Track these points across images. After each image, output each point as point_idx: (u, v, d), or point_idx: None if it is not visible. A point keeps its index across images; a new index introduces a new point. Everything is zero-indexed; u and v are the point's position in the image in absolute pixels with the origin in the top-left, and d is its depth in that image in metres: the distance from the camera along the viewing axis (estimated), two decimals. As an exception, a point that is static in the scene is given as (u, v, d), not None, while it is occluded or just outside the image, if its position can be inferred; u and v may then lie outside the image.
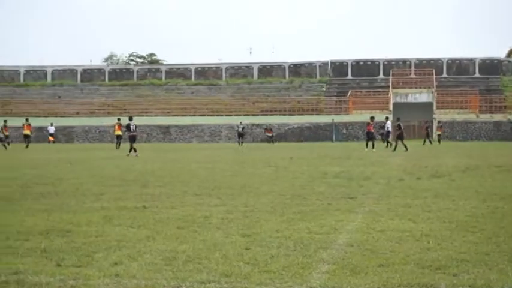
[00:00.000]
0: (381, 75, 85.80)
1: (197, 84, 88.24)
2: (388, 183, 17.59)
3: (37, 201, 13.45)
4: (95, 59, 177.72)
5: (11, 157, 35.11)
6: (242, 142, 62.17)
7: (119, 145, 50.27)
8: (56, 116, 76.30)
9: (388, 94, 77.62)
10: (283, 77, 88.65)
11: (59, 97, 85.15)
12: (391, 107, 74.96)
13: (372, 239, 9.06)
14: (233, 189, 16.05)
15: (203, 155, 37.69)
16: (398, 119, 47.23)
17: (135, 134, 38.87)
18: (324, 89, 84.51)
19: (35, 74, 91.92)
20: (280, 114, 76.44)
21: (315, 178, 19.42)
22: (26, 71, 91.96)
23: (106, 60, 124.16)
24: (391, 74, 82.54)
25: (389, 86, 79.71)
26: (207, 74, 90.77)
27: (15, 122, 73.43)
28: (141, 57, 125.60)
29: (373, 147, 42.36)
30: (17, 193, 15.09)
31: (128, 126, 38.92)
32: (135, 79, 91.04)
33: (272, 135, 69.07)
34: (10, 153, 40.49)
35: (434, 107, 74.77)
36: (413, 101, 76.06)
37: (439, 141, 61.76)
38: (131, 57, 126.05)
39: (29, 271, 7.10)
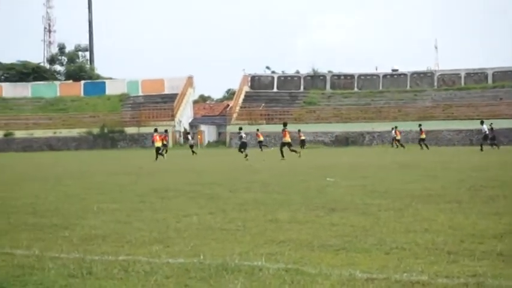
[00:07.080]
0: None
1: None
2: None
3: (486, 204, 13.43)
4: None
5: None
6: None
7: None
8: (497, 118, 75.48)
9: None
10: None
11: (501, 99, 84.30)
12: None
13: None
14: None
15: None
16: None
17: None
18: None
19: (476, 77, 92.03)
20: None
21: None
22: (466, 74, 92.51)
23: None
24: None
25: None
26: None
27: (457, 125, 74.82)
28: None
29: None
30: (465, 195, 15.22)
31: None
32: None
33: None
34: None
35: None
36: None
37: None
38: None
39: (487, 274, 7.12)
